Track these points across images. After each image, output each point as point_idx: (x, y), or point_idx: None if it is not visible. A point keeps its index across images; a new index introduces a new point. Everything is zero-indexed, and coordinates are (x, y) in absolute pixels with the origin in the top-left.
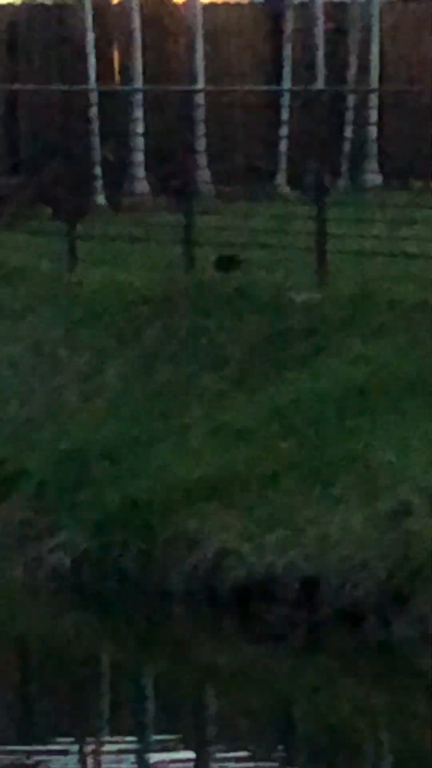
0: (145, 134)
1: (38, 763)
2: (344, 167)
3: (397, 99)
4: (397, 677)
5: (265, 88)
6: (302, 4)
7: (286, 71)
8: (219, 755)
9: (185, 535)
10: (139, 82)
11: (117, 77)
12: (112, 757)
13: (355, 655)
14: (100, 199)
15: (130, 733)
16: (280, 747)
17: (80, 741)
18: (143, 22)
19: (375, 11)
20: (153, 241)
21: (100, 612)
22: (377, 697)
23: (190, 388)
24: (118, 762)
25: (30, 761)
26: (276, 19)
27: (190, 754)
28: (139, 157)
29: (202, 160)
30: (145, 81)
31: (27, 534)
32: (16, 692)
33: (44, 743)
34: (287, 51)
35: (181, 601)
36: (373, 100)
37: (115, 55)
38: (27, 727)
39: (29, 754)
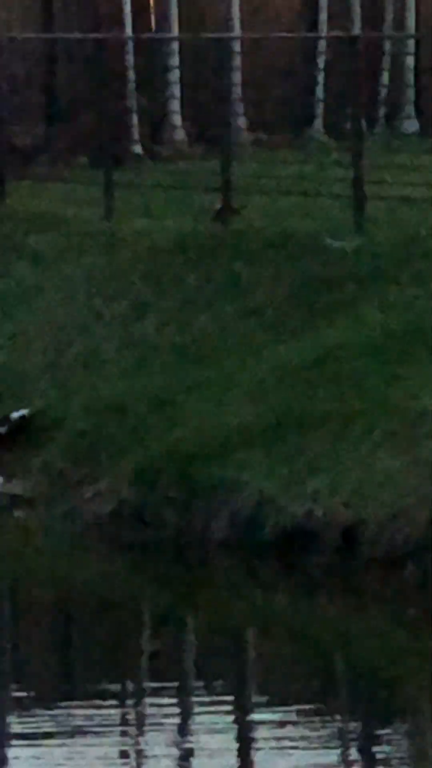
0: (181, 82)
1: (82, 705)
2: (381, 114)
3: (428, 42)
4: None
5: (301, 35)
6: None
7: (322, 18)
8: (258, 699)
9: (225, 483)
10: (174, 30)
11: (152, 26)
12: (154, 700)
13: (394, 600)
14: (137, 147)
15: (170, 678)
16: (320, 689)
17: (121, 685)
18: None
19: None
20: (190, 189)
21: (139, 560)
22: (417, 641)
23: (228, 337)
24: (160, 705)
25: (74, 704)
26: None
27: (230, 698)
28: (175, 105)
29: (239, 107)
30: (181, 29)
31: (66, 483)
32: (58, 637)
33: (86, 687)
34: (322, 9)
35: (220, 548)
36: (410, 46)
37: (150, 3)
38: (69, 672)
39: (73, 697)
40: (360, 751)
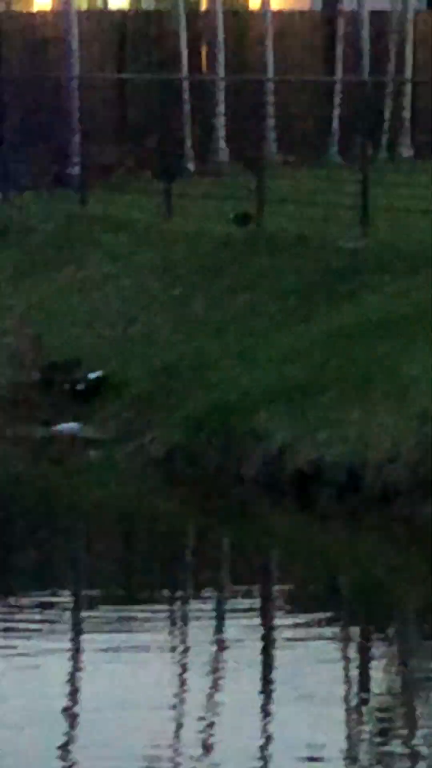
0: (225, 113)
1: (144, 610)
2: (383, 142)
3: (425, 87)
4: (423, 544)
5: (321, 78)
6: (351, 12)
7: (338, 65)
8: (278, 603)
9: (254, 432)
10: (221, 72)
11: (204, 68)
12: (197, 602)
13: (389, 527)
14: (190, 165)
15: (209, 584)
16: (325, 594)
17: (170, 590)
18: (225, 25)
19: (410, 19)
20: (232, 199)
21: (186, 491)
22: (406, 559)
23: (260, 316)
24: (201, 605)
25: (133, 610)
26: (330, 23)
27: (257, 602)
28: (221, 131)
29: (271, 134)
30: (226, 72)
31: (130, 429)
32: (120, 551)
33: (144, 589)
34: (339, 49)
35: (251, 484)
36: (408, 88)
37: (203, 50)
38: (128, 578)
39: (132, 604)
40: (360, 646)
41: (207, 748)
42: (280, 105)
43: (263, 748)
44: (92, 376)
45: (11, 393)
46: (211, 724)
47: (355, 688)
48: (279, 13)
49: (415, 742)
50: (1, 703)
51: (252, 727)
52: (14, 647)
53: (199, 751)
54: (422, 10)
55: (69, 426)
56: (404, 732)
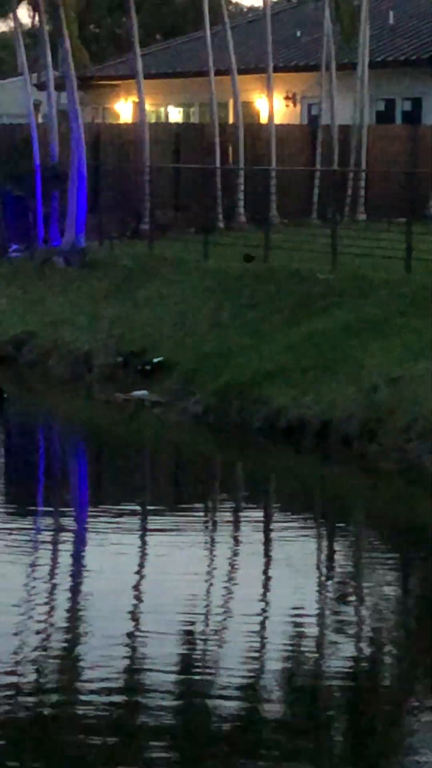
0: (243, 190)
1: (186, 516)
2: (347, 210)
3: (374, 175)
4: (370, 470)
5: (306, 168)
6: (325, 126)
7: (317, 159)
8: (274, 508)
9: (262, 398)
10: (241, 163)
11: (231, 161)
12: (221, 508)
13: (348, 460)
14: (221, 223)
15: (229, 495)
16: (312, 504)
17: (203, 499)
18: (245, 133)
19: (364, 131)
20: (247, 247)
21: (215, 436)
22: (359, 479)
23: (265, 322)
24: (223, 510)
25: (174, 516)
26: (313, 132)
27: (260, 513)
28: (241, 202)
29: (273, 204)
30: (245, 163)
31: (178, 396)
32: (171, 472)
33: (184, 500)
34: (318, 149)
35: (257, 432)
36: (362, 175)
37: (230, 149)
38: (175, 490)
39: (172, 512)
40: (329, 537)
41: (226, 608)
42: (280, 185)
43: (264, 608)
44: (155, 360)
45: (103, 371)
46: (228, 592)
47: (325, 567)
48: (280, 126)
49: (368, 604)
50: (121, 575)
51: (255, 593)
52: (115, 543)
53: (221, 609)
54: (373, 124)
55: (140, 393)
56: (361, 599)
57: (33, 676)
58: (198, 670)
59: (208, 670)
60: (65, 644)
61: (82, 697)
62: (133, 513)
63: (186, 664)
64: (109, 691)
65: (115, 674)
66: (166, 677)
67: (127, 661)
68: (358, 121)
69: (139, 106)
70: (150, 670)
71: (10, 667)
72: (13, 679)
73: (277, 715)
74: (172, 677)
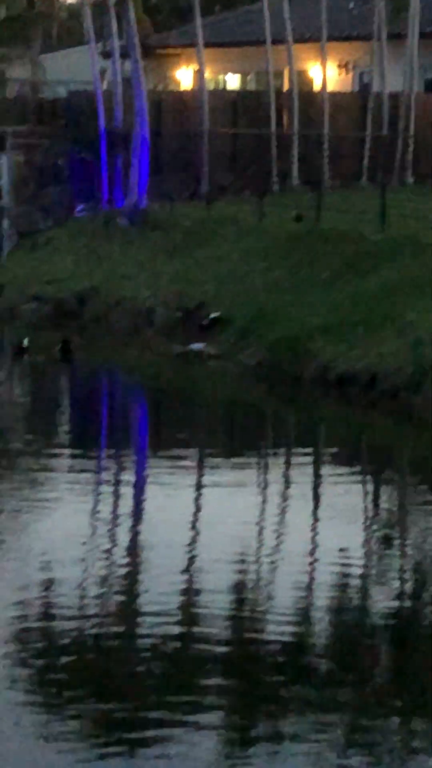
0: (298, 154)
1: (239, 463)
2: (395, 173)
3: (421, 139)
4: (414, 419)
5: (357, 133)
6: (376, 94)
7: (368, 125)
8: (324, 455)
9: (312, 352)
10: (295, 129)
11: (285, 127)
12: (273, 453)
13: (394, 411)
14: (275, 186)
15: (280, 442)
16: (353, 450)
17: (254, 449)
18: (299, 100)
19: (413, 98)
20: (301, 208)
21: (268, 388)
22: (404, 428)
23: (316, 280)
24: (275, 456)
25: (228, 463)
26: (364, 99)
27: (310, 460)
28: (295, 165)
29: (325, 168)
30: (299, 128)
31: (235, 348)
32: (226, 420)
33: (238, 446)
34: (368, 115)
35: (308, 384)
36: (411, 139)
37: (285, 116)
38: (228, 437)
39: (227, 459)
40: (375, 483)
41: (276, 549)
42: (332, 149)
43: (312, 550)
44: (212, 315)
45: (163, 326)
46: (279, 534)
47: (371, 512)
48: (332, 93)
49: (411, 548)
50: (177, 516)
51: (304, 536)
52: (172, 487)
53: (271, 548)
54: (421, 92)
55: (198, 345)
56: (405, 543)
57: (95, 610)
58: (249, 604)
59: (259, 605)
60: (125, 580)
61: (140, 630)
62: (189, 460)
63: (238, 598)
64: (165, 623)
65: (171, 607)
66: (219, 611)
67: (182, 596)
68: (407, 88)
69: (199, 74)
70: (204, 605)
71: (74, 601)
72: (76, 612)
73: (323, 646)
74: (225, 611)
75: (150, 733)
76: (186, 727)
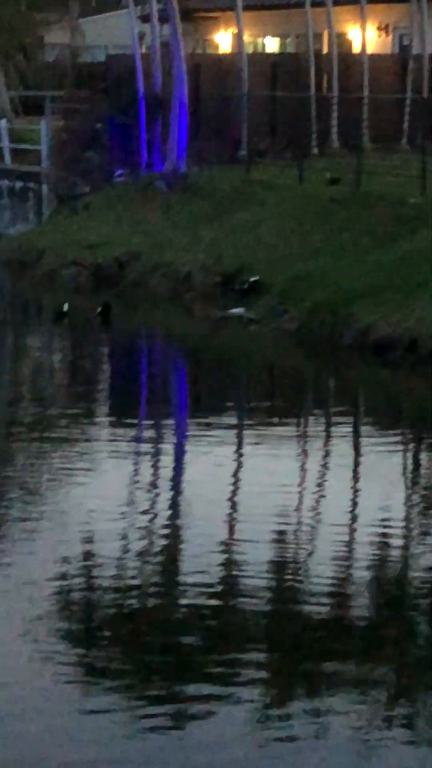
0: (337, 118)
1: (279, 427)
2: None
3: None
4: None
5: (397, 95)
6: (416, 56)
7: (408, 88)
8: (363, 418)
9: (351, 316)
10: (335, 92)
11: (325, 90)
12: (313, 417)
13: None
14: (315, 150)
15: (319, 405)
16: (394, 413)
17: (294, 413)
18: (339, 62)
19: None
20: (341, 171)
21: (307, 351)
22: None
23: (356, 245)
24: (315, 419)
25: (267, 427)
26: (404, 61)
27: (350, 423)
28: (334, 128)
29: (365, 131)
30: (338, 92)
31: (273, 313)
32: (266, 382)
33: (277, 408)
34: (408, 78)
35: (347, 348)
36: None
37: (324, 79)
38: (268, 399)
39: (266, 423)
40: (418, 446)
41: (316, 517)
42: (371, 112)
43: (352, 517)
44: (251, 279)
45: (203, 290)
46: (319, 501)
47: (411, 477)
48: (372, 55)
49: None
50: (217, 483)
51: (344, 502)
52: (211, 452)
53: (311, 517)
54: None
55: (237, 310)
56: None
57: (134, 581)
58: (288, 575)
59: (298, 576)
60: (164, 549)
61: (180, 600)
62: (228, 424)
63: (277, 569)
64: (203, 594)
65: (209, 579)
66: (257, 582)
67: (221, 567)
68: None
69: (238, 37)
70: (242, 575)
71: (113, 570)
72: (116, 581)
73: (363, 621)
74: (264, 582)
75: (191, 688)
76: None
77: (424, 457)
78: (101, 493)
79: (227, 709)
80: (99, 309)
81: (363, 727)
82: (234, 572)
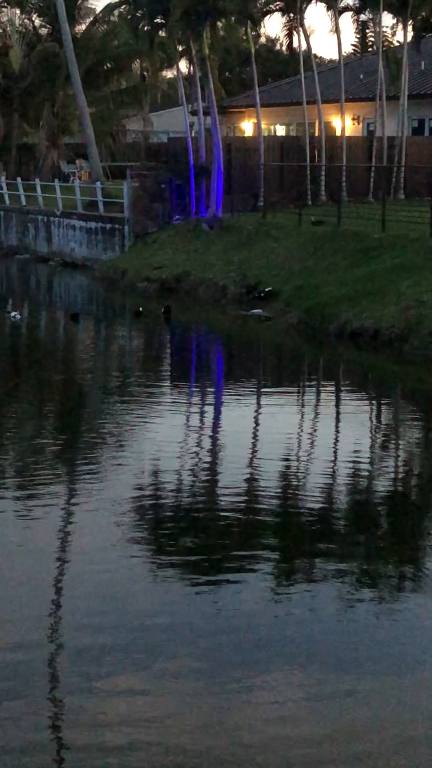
0: (324, 180)
1: (285, 390)
2: (391, 191)
3: (409, 170)
4: (403, 361)
5: (366, 164)
6: (378, 137)
7: (374, 160)
8: (345, 385)
9: (335, 314)
10: (324, 162)
11: (316, 160)
12: (308, 388)
13: (390, 354)
14: (309, 200)
15: (312, 378)
16: (369, 383)
17: (295, 380)
18: (326, 142)
19: (404, 140)
20: (326, 216)
21: (305, 339)
22: (400, 367)
23: (338, 265)
24: (309, 389)
25: (277, 390)
26: (370, 141)
27: (332, 387)
28: (322, 188)
29: (344, 189)
30: (326, 161)
31: (281, 312)
32: (274, 362)
33: (282, 381)
34: (374, 152)
35: (334, 336)
36: (402, 169)
37: (316, 153)
38: (276, 374)
39: (277, 387)
40: (392, 408)
41: (311, 445)
42: (348, 175)
43: (335, 445)
44: (266, 289)
45: (233, 297)
46: (313, 436)
47: (373, 422)
48: (348, 137)
49: (402, 444)
50: (242, 431)
51: (330, 437)
52: (239, 407)
53: (309, 447)
54: (410, 136)
55: (257, 310)
56: (395, 442)
57: (187, 497)
58: (294, 494)
59: (302, 495)
60: (204, 472)
61: (218, 502)
62: (251, 386)
63: (287, 490)
64: (237, 494)
65: (240, 484)
66: (274, 493)
67: (247, 484)
68: (400, 134)
69: (257, 125)
70: (265, 490)
71: (173, 490)
72: (174, 498)
73: (348, 524)
74: (278, 493)
75: (226, 575)
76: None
77: (383, 408)
78: (166, 437)
79: (251, 586)
80: (163, 309)
81: (347, 603)
82: (259, 487)
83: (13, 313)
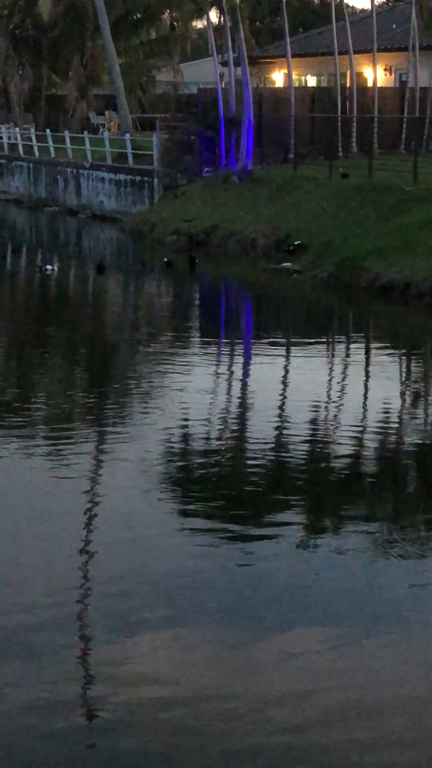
0: (356, 131)
1: (314, 343)
2: (423, 143)
3: None
4: None
5: (398, 115)
6: (410, 88)
7: (405, 110)
8: (374, 336)
9: (365, 268)
10: (355, 113)
11: (348, 112)
12: (336, 341)
13: (421, 309)
14: (341, 153)
15: (342, 331)
16: (399, 334)
17: (325, 333)
18: (357, 93)
19: None
20: (357, 168)
21: (336, 292)
22: (427, 321)
23: (368, 218)
24: (338, 343)
25: (306, 343)
26: (402, 92)
27: (362, 340)
28: (354, 139)
29: (375, 140)
30: (357, 112)
31: (312, 266)
32: (303, 312)
33: (310, 333)
34: (405, 103)
35: (364, 290)
36: None
37: (347, 104)
38: (306, 325)
39: (306, 340)
40: (418, 357)
41: (341, 396)
42: (380, 127)
43: (365, 396)
44: (296, 243)
45: (263, 251)
46: (343, 387)
47: (401, 375)
48: (380, 88)
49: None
50: (271, 381)
51: (360, 388)
52: (268, 361)
53: (338, 397)
54: None
55: (286, 264)
56: (426, 393)
57: (214, 448)
58: (323, 448)
59: (332, 447)
60: (235, 428)
61: (244, 461)
62: (280, 339)
63: (316, 445)
64: (265, 444)
65: (268, 434)
66: (300, 443)
67: (276, 437)
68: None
69: (288, 76)
70: (290, 438)
71: (200, 442)
72: (201, 448)
73: (372, 476)
74: (304, 444)
75: (247, 526)
76: (277, 522)
77: (413, 361)
78: (194, 389)
79: (277, 536)
80: (188, 260)
81: (369, 550)
82: (290, 441)
83: (47, 267)
